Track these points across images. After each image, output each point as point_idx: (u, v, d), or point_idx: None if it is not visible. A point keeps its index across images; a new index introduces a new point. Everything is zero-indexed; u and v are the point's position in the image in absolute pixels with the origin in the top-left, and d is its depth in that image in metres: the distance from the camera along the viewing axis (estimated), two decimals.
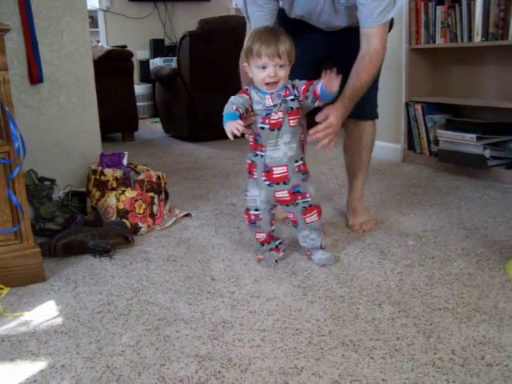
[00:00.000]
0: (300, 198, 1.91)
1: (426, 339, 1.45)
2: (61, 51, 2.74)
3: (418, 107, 3.50)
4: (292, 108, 1.84)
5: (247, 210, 1.97)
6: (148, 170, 2.58)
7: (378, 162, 3.73)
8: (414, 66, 3.56)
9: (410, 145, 3.67)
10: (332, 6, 2.05)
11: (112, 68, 4.81)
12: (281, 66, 1.80)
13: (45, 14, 2.65)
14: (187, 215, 2.64)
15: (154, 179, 2.52)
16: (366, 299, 1.70)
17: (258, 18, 2.08)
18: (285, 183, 1.88)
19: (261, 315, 1.62)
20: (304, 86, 1.82)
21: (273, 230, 2.02)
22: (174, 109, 5.03)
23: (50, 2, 2.66)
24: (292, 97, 1.84)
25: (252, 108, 1.85)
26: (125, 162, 2.56)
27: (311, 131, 1.82)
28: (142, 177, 2.49)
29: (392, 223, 2.42)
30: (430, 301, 1.67)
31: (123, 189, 2.42)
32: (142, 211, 2.40)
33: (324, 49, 2.28)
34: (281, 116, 1.83)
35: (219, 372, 1.34)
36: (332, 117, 1.84)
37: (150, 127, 6.21)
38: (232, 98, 1.81)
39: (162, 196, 2.55)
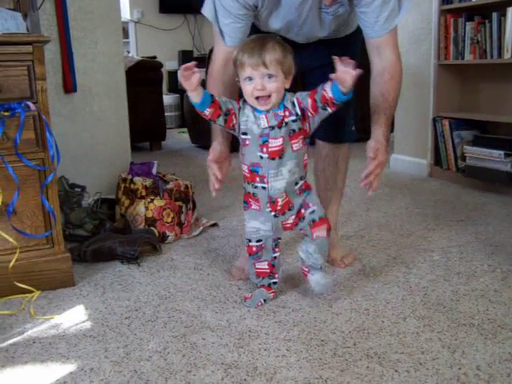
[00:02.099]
0: (304, 210, 1.73)
1: (450, 354, 1.45)
2: (94, 61, 2.81)
3: (446, 123, 3.50)
4: (294, 130, 1.64)
5: (248, 241, 1.79)
6: (176, 180, 2.62)
7: (403, 176, 3.74)
8: (442, 81, 3.56)
9: (437, 160, 3.66)
10: (317, 15, 1.79)
11: (142, 78, 4.89)
12: (270, 77, 1.58)
13: (80, 25, 2.73)
14: (214, 225, 2.67)
15: (183, 188, 2.55)
16: (390, 313, 1.71)
17: (234, 30, 1.78)
18: (290, 209, 1.72)
19: (286, 325, 1.64)
20: (310, 101, 1.60)
21: (275, 258, 1.81)
22: (202, 119, 5.07)
23: (85, 14, 2.74)
24: (293, 117, 1.64)
25: (237, 120, 1.67)
26: (154, 171, 2.60)
27: (363, 175, 1.69)
28: (170, 186, 2.53)
29: (417, 238, 2.42)
30: (455, 316, 1.67)
31: (152, 197, 2.46)
32: (170, 220, 2.44)
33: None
34: (281, 142, 1.64)
35: (245, 380, 1.36)
36: (381, 154, 1.70)
37: (177, 137, 6.28)
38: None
39: (190, 205, 2.58)
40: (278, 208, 1.71)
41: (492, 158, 3.12)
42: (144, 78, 4.96)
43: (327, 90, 1.54)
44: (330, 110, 1.59)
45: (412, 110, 3.86)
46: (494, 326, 1.60)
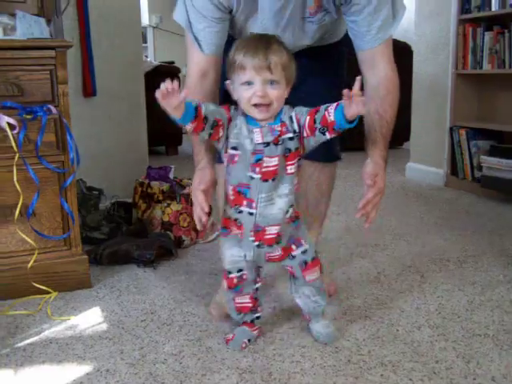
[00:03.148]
0: (295, 247, 1.52)
1: (465, 364, 1.45)
2: (114, 66, 2.84)
3: (463, 132, 3.49)
4: (290, 150, 1.41)
5: (228, 273, 1.55)
6: None
7: (419, 185, 3.73)
8: (459, 90, 3.56)
9: (453, 170, 3.65)
10: (299, 25, 1.60)
11: (159, 83, 4.89)
12: (272, 83, 1.36)
13: (101, 29, 2.77)
14: None
15: None
16: (405, 321, 1.71)
17: (210, 36, 1.58)
18: (278, 243, 1.48)
19: (301, 332, 1.64)
20: (308, 119, 1.38)
21: (257, 289, 1.58)
22: None
23: (106, 19, 2.78)
24: (290, 135, 1.40)
25: (225, 132, 1.42)
26: (171, 175, 2.62)
27: (360, 205, 1.48)
28: (187, 191, 2.54)
29: (433, 248, 2.41)
30: (469, 326, 1.67)
31: (169, 202, 2.48)
32: (186, 224, 2.45)
33: None
34: (277, 162, 1.40)
35: None
36: (381, 180, 1.51)
37: None
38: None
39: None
40: (266, 238, 1.46)
41: (509, 168, 3.11)
42: (162, 83, 4.97)
43: (330, 112, 1.33)
44: (327, 136, 1.37)
45: (429, 119, 3.86)
46: (509, 336, 1.60)
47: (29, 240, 1.87)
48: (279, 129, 1.40)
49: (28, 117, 1.80)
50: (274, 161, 1.40)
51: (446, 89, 3.63)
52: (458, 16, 3.46)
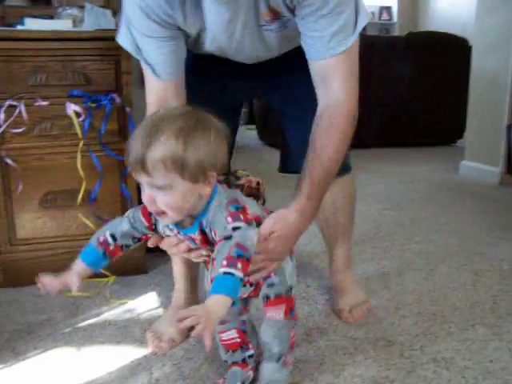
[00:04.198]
0: (263, 281, 1.25)
1: None
2: None
3: None
4: None
5: None
6: (248, 176, 2.66)
7: (473, 183, 3.67)
8: None
9: (509, 168, 3.58)
10: (257, 34, 1.33)
11: None
12: (159, 189, 1.04)
13: None
14: None
15: (254, 185, 2.60)
16: (458, 319, 1.70)
17: (164, 58, 1.31)
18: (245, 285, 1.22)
19: (353, 325, 1.65)
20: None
21: (244, 322, 1.36)
22: (271, 117, 5.11)
23: None
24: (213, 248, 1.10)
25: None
26: None
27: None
28: (242, 182, 2.57)
29: (486, 246, 2.38)
30: None
31: None
32: None
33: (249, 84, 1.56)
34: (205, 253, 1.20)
35: (313, 375, 1.39)
36: (273, 242, 1.21)
37: (244, 134, 6.34)
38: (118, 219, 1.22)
39: (261, 201, 2.62)
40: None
41: None
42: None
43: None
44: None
45: (486, 116, 3.79)
46: None
47: (90, 224, 1.93)
48: (197, 237, 1.14)
49: (93, 105, 1.86)
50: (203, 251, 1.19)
51: (506, 85, 3.54)
52: None
